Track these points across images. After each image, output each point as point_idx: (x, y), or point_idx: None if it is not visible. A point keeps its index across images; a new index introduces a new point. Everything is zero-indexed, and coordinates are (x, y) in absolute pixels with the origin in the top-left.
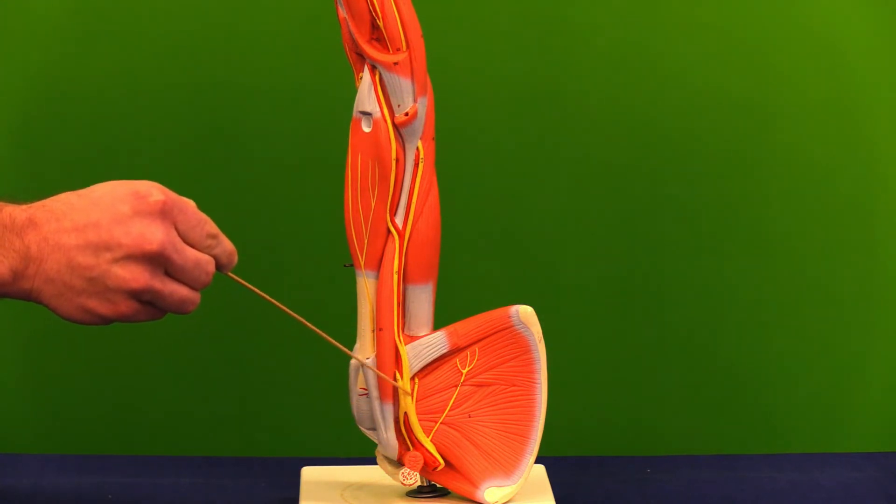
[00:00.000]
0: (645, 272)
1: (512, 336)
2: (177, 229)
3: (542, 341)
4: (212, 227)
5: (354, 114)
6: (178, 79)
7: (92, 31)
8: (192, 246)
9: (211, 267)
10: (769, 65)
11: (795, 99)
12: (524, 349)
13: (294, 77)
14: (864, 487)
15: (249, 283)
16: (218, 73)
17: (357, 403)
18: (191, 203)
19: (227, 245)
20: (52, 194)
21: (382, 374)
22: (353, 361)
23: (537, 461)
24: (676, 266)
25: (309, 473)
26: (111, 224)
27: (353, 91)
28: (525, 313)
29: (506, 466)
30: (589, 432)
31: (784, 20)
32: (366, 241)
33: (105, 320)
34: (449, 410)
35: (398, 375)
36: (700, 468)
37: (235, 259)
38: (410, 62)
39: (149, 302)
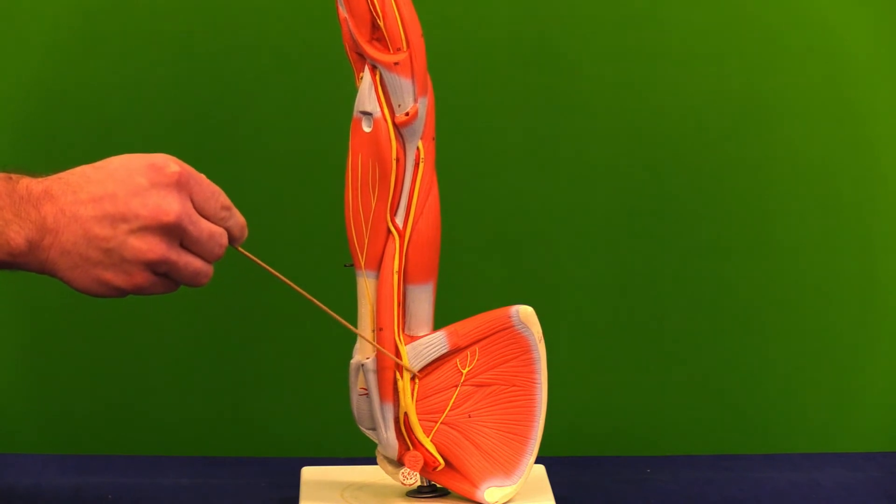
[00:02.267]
0: (645, 272)
1: (512, 336)
2: (192, 201)
3: (542, 341)
4: (225, 199)
5: (355, 114)
6: (177, 79)
7: (91, 31)
8: (207, 218)
9: (224, 239)
10: (769, 64)
11: (796, 99)
12: (524, 349)
13: (294, 77)
14: (864, 487)
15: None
16: (218, 73)
17: (357, 403)
18: (204, 176)
19: (239, 218)
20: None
21: (386, 352)
22: (352, 362)
23: (537, 461)
24: (676, 266)
25: (309, 473)
26: (128, 195)
27: (353, 91)
28: (525, 313)
29: (506, 466)
30: (589, 432)
31: (785, 19)
32: (366, 241)
33: (121, 292)
34: (449, 410)
35: (401, 367)
36: (700, 468)
37: (246, 232)
38: (411, 62)
39: (164, 274)
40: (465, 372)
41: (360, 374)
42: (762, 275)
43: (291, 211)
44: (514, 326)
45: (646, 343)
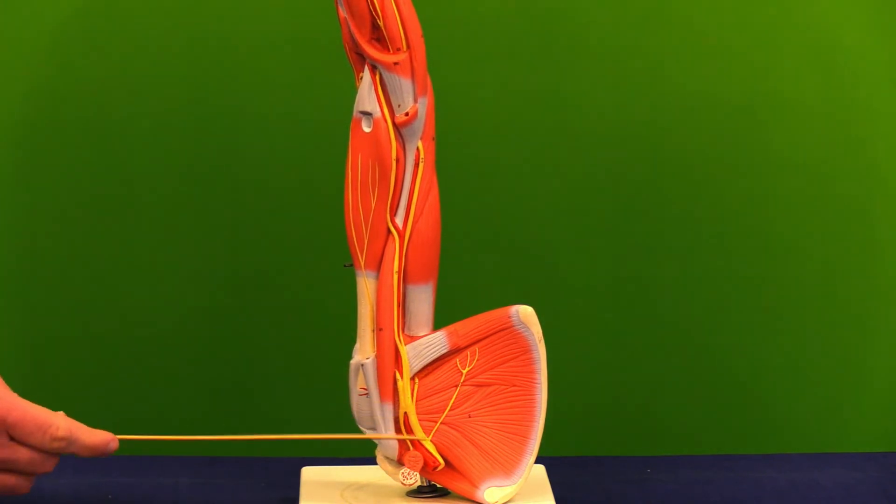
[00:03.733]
0: (645, 272)
1: (512, 336)
2: (12, 437)
3: (542, 341)
4: (59, 430)
5: (354, 114)
6: (177, 79)
7: (90, 30)
8: (40, 449)
9: (50, 465)
10: (768, 65)
11: (795, 100)
12: (524, 349)
13: (294, 77)
14: (864, 487)
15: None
16: (218, 73)
17: (357, 403)
18: (33, 413)
19: (86, 440)
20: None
21: (397, 437)
22: (352, 362)
23: (537, 461)
24: (676, 266)
25: (309, 473)
26: None
27: (353, 91)
28: (525, 313)
29: (506, 466)
30: (589, 432)
31: (782, 23)
32: (366, 241)
33: None
34: (449, 410)
35: (409, 438)
36: (700, 468)
37: (106, 445)
38: (411, 62)
39: None
40: (465, 372)
41: (360, 374)
42: (762, 275)
43: (291, 211)
44: (514, 326)
45: (646, 343)
